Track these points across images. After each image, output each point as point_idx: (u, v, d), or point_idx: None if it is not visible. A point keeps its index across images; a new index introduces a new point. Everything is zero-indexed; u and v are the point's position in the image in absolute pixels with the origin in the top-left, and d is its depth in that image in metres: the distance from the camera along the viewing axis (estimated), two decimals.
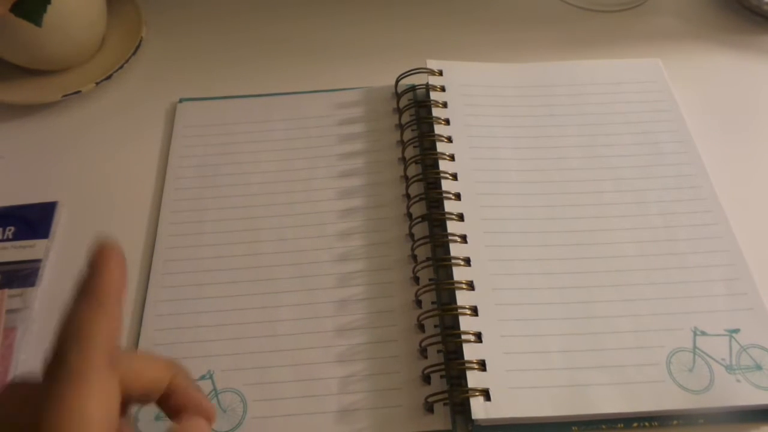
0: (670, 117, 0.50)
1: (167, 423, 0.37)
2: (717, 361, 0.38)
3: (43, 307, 0.43)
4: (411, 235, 0.44)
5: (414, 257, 0.43)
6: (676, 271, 0.42)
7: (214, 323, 0.41)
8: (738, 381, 0.37)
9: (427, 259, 0.42)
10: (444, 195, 0.44)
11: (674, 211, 0.45)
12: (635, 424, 0.38)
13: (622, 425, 0.38)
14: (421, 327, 0.41)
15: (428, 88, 0.50)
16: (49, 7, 0.46)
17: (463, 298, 0.40)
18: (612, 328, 0.40)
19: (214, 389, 0.39)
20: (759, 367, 0.38)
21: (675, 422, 0.38)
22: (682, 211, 0.45)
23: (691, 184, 0.46)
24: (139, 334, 0.41)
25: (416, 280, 0.43)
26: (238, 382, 0.39)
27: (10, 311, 0.42)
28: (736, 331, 0.39)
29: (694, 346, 0.39)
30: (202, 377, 0.39)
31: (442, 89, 0.50)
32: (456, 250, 0.42)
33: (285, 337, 0.41)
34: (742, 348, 0.39)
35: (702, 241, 0.43)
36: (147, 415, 0.38)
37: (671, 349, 0.39)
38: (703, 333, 0.39)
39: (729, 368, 0.38)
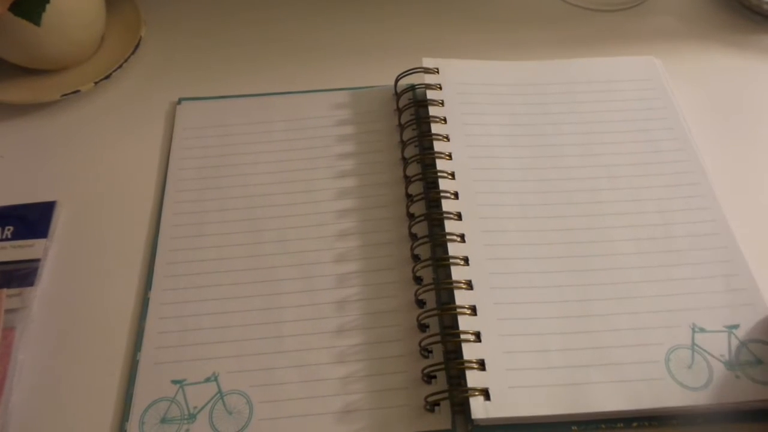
0: (665, 114, 0.50)
1: (172, 425, 0.37)
2: (716, 358, 0.38)
3: (42, 306, 0.43)
4: (411, 235, 0.44)
5: (415, 257, 0.43)
6: (674, 267, 0.42)
7: (218, 325, 0.41)
8: (737, 377, 0.38)
9: (427, 259, 0.42)
10: (442, 194, 0.44)
11: (671, 208, 0.45)
12: (635, 424, 0.38)
13: (621, 425, 0.38)
14: (422, 327, 0.41)
15: (425, 86, 0.50)
16: (48, 7, 0.46)
17: (462, 297, 0.40)
18: (610, 326, 0.40)
19: (220, 391, 0.39)
20: (759, 362, 0.38)
21: (674, 422, 0.38)
22: (679, 208, 0.45)
23: (688, 181, 0.46)
24: (142, 337, 0.41)
25: (417, 279, 0.43)
26: (244, 384, 0.39)
27: (8, 311, 0.41)
28: (736, 326, 0.40)
29: (693, 343, 0.39)
30: (207, 379, 0.39)
31: (439, 87, 0.50)
32: (455, 249, 0.42)
33: (289, 338, 0.41)
34: (742, 343, 0.39)
35: (699, 238, 0.43)
36: (153, 417, 0.38)
37: (670, 347, 0.39)
38: (702, 330, 0.39)
39: (728, 364, 0.38)
